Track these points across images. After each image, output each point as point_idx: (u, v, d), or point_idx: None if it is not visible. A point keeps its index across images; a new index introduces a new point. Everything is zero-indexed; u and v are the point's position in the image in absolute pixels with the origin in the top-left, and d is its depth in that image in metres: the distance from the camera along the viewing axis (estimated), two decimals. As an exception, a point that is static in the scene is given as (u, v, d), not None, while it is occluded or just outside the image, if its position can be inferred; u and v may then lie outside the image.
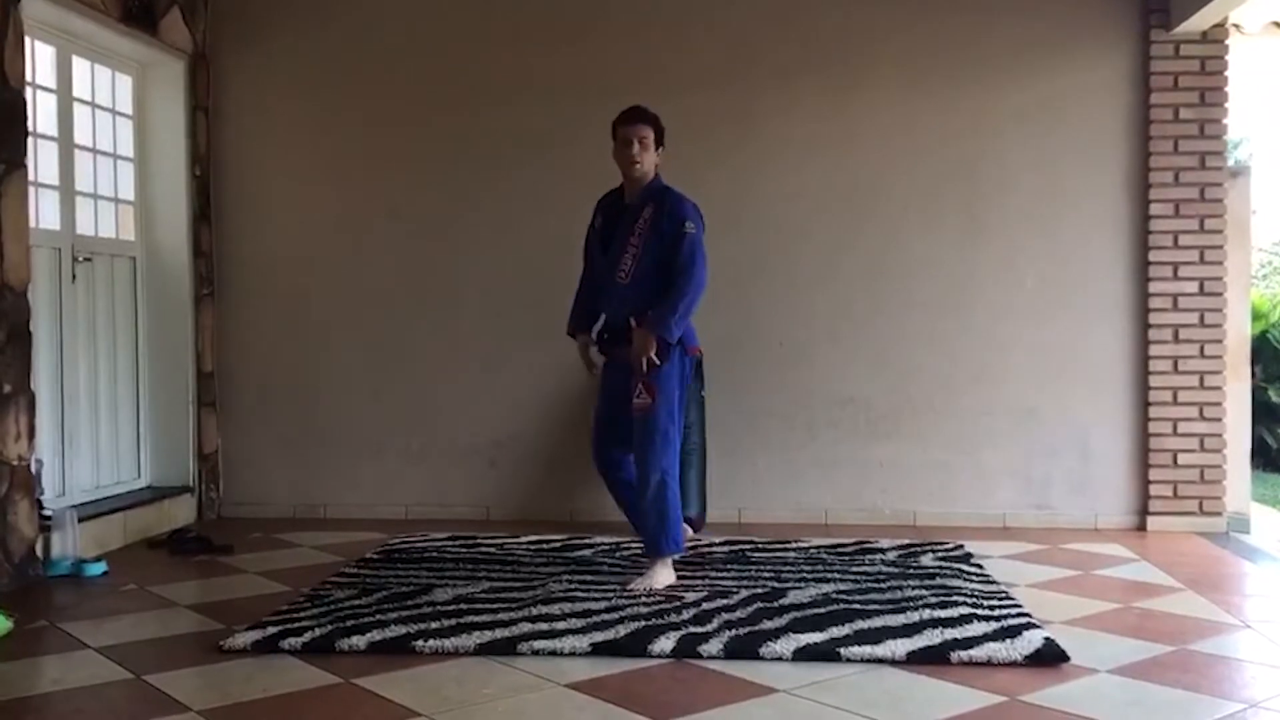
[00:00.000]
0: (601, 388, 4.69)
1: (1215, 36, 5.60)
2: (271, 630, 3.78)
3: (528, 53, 5.92)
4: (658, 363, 4.30)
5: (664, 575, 4.41)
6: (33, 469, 4.66)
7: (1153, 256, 5.66)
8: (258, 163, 6.08)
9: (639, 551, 4.80)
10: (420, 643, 3.67)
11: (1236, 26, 6.30)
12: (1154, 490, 5.66)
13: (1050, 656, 3.53)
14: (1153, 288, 5.66)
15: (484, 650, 3.63)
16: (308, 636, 3.72)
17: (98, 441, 5.51)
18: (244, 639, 3.71)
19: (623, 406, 4.48)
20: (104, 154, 5.62)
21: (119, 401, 5.69)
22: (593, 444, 4.72)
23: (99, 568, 4.72)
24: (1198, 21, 5.43)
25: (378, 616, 3.95)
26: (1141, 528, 5.67)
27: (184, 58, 5.85)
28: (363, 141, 6.02)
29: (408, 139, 6.00)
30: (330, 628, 3.81)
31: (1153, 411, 5.66)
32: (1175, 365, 5.65)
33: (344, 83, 6.03)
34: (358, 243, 6.04)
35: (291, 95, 6.06)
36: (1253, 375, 6.24)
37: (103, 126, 5.61)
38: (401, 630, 3.78)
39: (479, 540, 5.30)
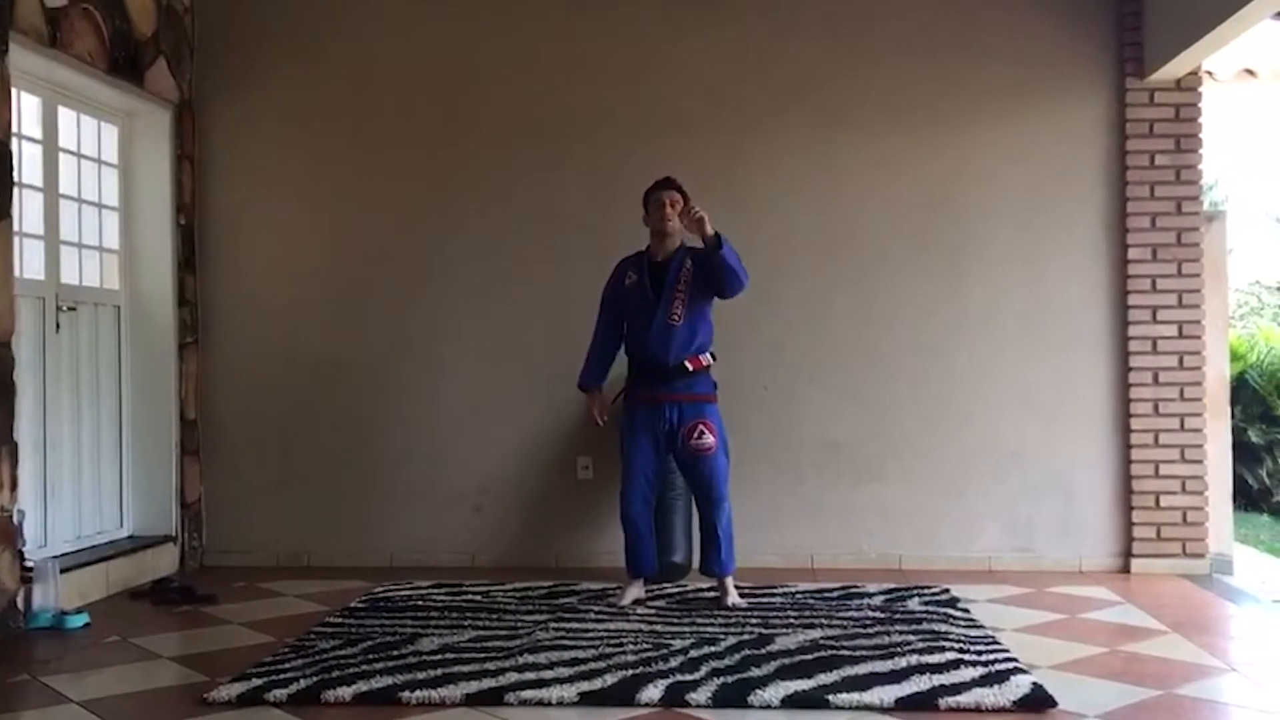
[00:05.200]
0: (637, 436, 4.96)
1: (1189, 84, 5.70)
2: (256, 682, 3.75)
3: (512, 98, 5.98)
4: (702, 217, 4.67)
5: (734, 590, 4.92)
6: (14, 520, 4.63)
7: (1131, 300, 5.72)
8: (242, 211, 6.10)
9: (612, 594, 4.89)
10: (407, 693, 3.64)
11: (1209, 74, 6.43)
12: (1137, 532, 5.69)
13: (1038, 702, 3.54)
14: (1132, 331, 5.71)
15: (471, 701, 3.61)
16: (293, 688, 3.69)
17: (80, 491, 5.47)
18: (228, 691, 3.68)
19: (664, 452, 4.96)
20: (89, 203, 5.63)
21: (102, 450, 5.66)
22: (632, 494, 4.99)
23: (81, 619, 4.68)
24: (1171, 69, 5.53)
25: (364, 667, 3.93)
26: (1125, 570, 5.68)
27: (169, 107, 5.88)
28: (347, 188, 6.05)
29: (392, 185, 6.03)
30: (316, 679, 3.78)
31: (1134, 454, 5.70)
32: (1156, 408, 5.70)
33: (328, 130, 6.06)
34: (342, 289, 6.05)
35: (276, 143, 6.10)
36: (1232, 416, 6.28)
37: (88, 176, 5.62)
38: (388, 681, 3.76)
39: (464, 587, 5.28)
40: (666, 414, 4.92)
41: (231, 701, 3.62)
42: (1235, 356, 8.78)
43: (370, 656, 4.07)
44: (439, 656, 4.07)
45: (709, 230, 4.70)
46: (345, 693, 3.66)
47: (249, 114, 6.10)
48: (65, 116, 5.42)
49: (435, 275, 6.01)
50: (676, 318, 4.88)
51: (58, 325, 5.26)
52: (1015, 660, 3.96)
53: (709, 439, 4.90)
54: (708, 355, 4.97)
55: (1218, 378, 5.91)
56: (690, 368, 4.91)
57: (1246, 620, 4.89)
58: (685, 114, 5.90)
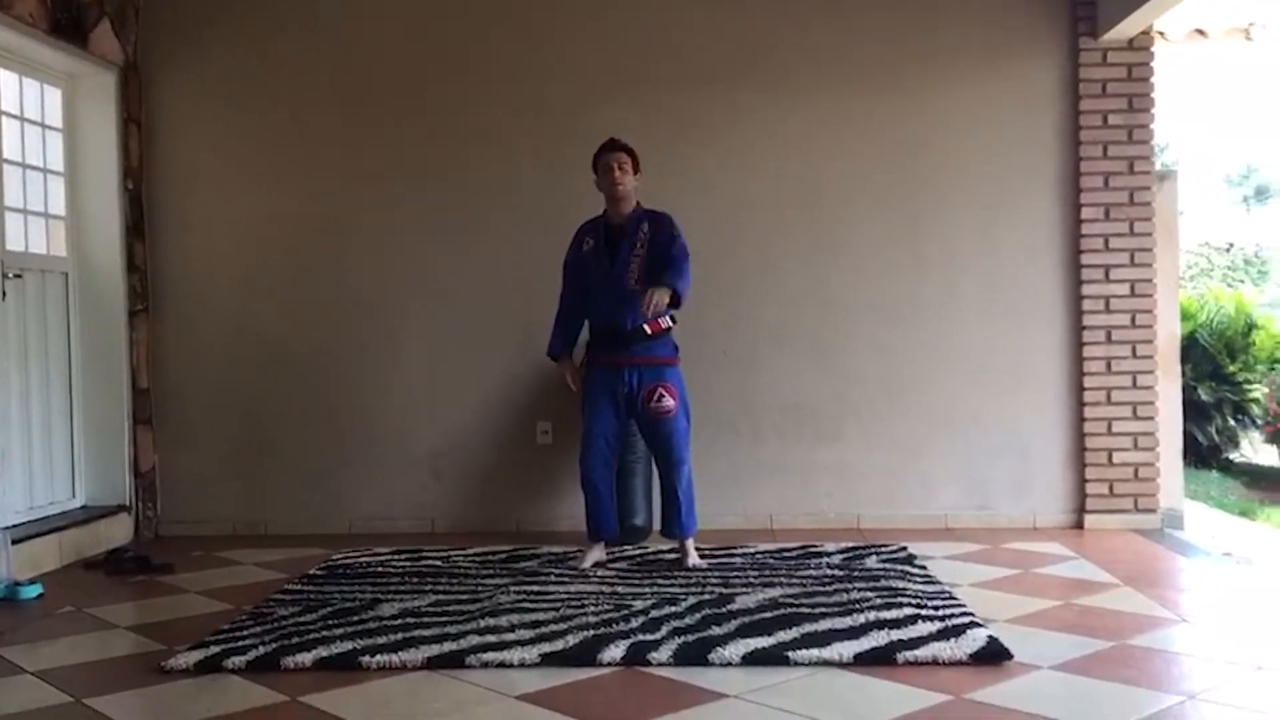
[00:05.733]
0: (598, 400, 4.95)
1: (1141, 44, 5.74)
2: (214, 649, 3.73)
3: (463, 61, 5.91)
4: (663, 308, 4.75)
5: (695, 552, 4.95)
6: (-37, 491, 4.56)
7: (1084, 260, 5.77)
8: (192, 175, 6.00)
9: (573, 557, 4.95)
10: (367, 658, 3.63)
11: (1161, 34, 6.45)
12: (1090, 489, 5.77)
13: (994, 655, 3.58)
14: (1085, 290, 5.77)
15: (432, 664, 3.60)
16: (252, 655, 3.67)
17: (30, 461, 5.39)
18: (186, 659, 3.65)
19: (624, 416, 4.95)
20: (33, 168, 5.51)
21: (52, 420, 5.57)
22: (594, 459, 4.98)
23: (34, 590, 4.62)
24: (1124, 29, 5.56)
25: (323, 633, 3.91)
26: (1079, 525, 5.77)
27: (114, 69, 5.76)
28: (300, 152, 5.97)
29: (345, 149, 5.95)
30: (275, 645, 3.76)
31: (1088, 411, 5.77)
32: (1109, 366, 5.77)
33: (279, 92, 5.97)
34: (296, 255, 5.98)
35: (226, 106, 5.99)
36: (1182, 374, 6.37)
37: (32, 140, 5.50)
38: (347, 646, 3.74)
39: (424, 553, 5.26)
40: (626, 378, 4.92)
41: (189, 669, 3.59)
42: (1186, 316, 8.91)
43: (330, 622, 4.05)
44: (399, 621, 4.06)
45: (666, 301, 4.72)
46: (305, 658, 3.64)
47: (197, 76, 5.99)
48: (7, 79, 5.30)
49: (392, 240, 5.95)
50: (635, 283, 4.87)
51: (4, 293, 5.16)
52: (971, 615, 4.01)
53: (669, 401, 4.92)
54: (667, 319, 4.97)
55: (1169, 336, 5.99)
56: (650, 331, 4.91)
57: (1196, 573, 4.98)
58: (640, 77, 5.86)
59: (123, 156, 5.80)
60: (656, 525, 5.51)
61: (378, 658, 3.63)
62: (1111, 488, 5.76)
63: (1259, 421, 9.17)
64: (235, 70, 5.99)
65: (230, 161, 6.00)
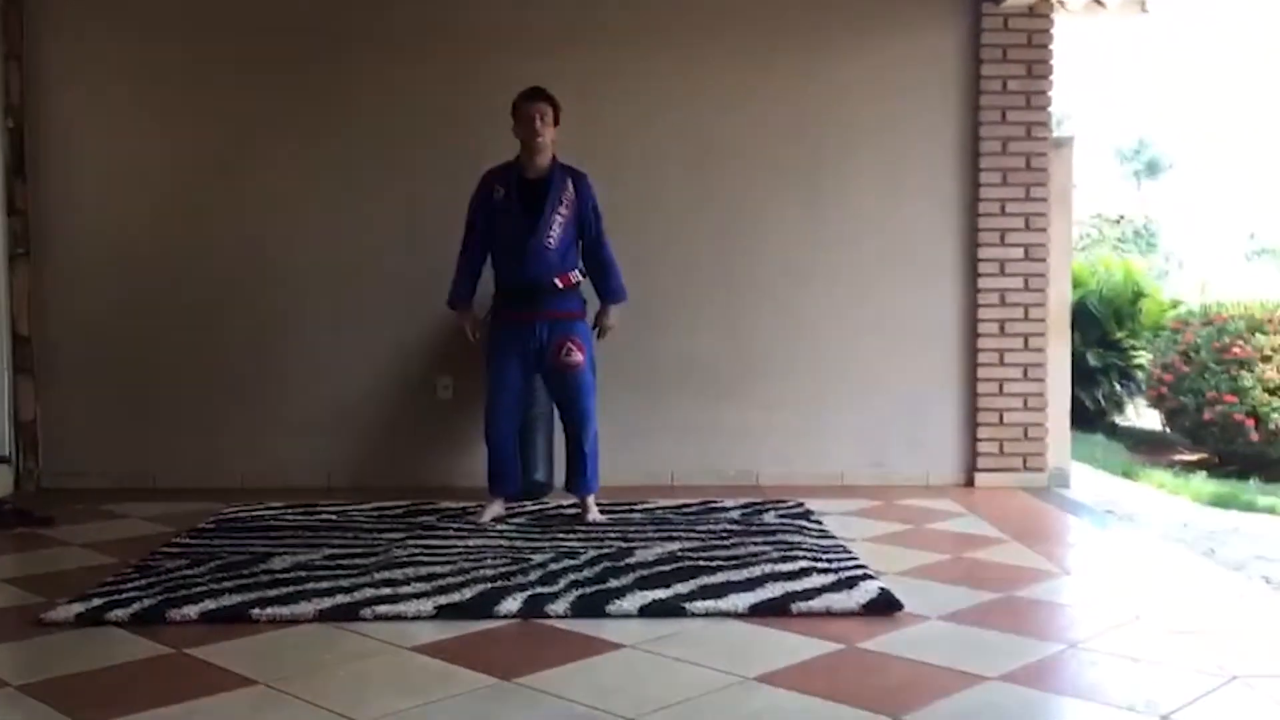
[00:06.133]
0: (507, 355, 4.89)
1: (1041, 10, 5.82)
2: (96, 602, 3.63)
3: (362, 7, 5.75)
4: (611, 326, 5.03)
5: (595, 507, 4.97)
6: None
7: (981, 223, 5.86)
8: (78, 114, 5.76)
9: (472, 512, 4.94)
10: (257, 610, 3.57)
11: (1060, 3, 6.56)
12: (981, 448, 5.90)
13: (885, 605, 3.65)
14: (981, 253, 5.87)
15: (325, 617, 3.55)
16: (135, 607, 3.58)
17: (-99, 410, 5.16)
18: (66, 611, 3.54)
19: (531, 372, 4.92)
20: (-96, 102, 5.24)
21: (-75, 368, 5.34)
22: (502, 414, 4.93)
23: (-96, 543, 4.44)
24: (1025, -4, 5.64)
25: (211, 586, 3.83)
26: (970, 483, 5.90)
27: (-7, 1, 5.49)
28: (192, 91, 5.77)
29: (241, 89, 5.77)
30: (160, 598, 3.67)
31: (980, 372, 5.89)
32: (1002, 328, 5.89)
33: (171, 27, 5.75)
34: (187, 199, 5.79)
35: (114, 41, 5.76)
36: (1072, 340, 6.53)
37: (-98, 72, 5.23)
38: (237, 599, 3.67)
39: (319, 508, 5.17)
40: (537, 332, 4.86)
41: (70, 621, 3.49)
42: (1077, 283, 9.13)
43: (219, 576, 3.97)
44: (291, 575, 3.99)
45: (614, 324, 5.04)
46: (191, 611, 3.55)
47: (83, 13, 5.74)
48: (-126, 6, 5.01)
49: (284, 185, 5.80)
50: (553, 241, 4.81)
51: None
52: (865, 568, 4.08)
53: (577, 355, 4.88)
54: (576, 273, 4.93)
55: (1060, 300, 6.12)
56: (560, 285, 4.86)
57: (1080, 529, 5.14)
58: (546, 31, 5.77)
59: (3, 94, 5.54)
60: (556, 481, 5.50)
61: (268, 610, 3.56)
62: (1002, 447, 5.90)
63: (1143, 387, 9.47)
64: (125, 8, 5.74)
65: (118, 100, 5.77)
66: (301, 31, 5.77)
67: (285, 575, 3.98)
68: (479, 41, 5.76)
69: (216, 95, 5.76)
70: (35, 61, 5.71)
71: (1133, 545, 4.97)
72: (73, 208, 5.77)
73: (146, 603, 3.62)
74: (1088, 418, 9.31)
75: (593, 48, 5.77)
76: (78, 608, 3.57)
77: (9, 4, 5.58)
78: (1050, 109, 5.91)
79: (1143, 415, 10.06)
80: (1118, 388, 9.69)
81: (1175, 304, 10.27)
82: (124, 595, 3.70)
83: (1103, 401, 9.61)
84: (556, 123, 4.86)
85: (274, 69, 5.76)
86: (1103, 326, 9.68)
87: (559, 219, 4.83)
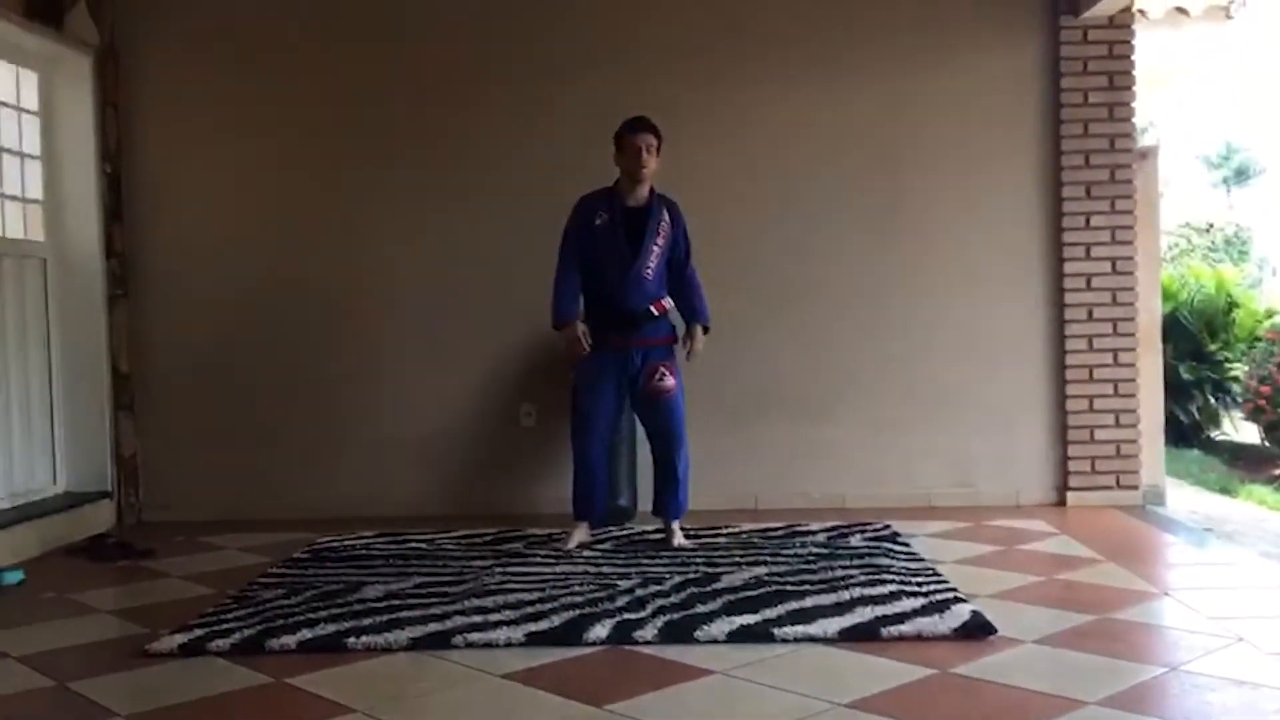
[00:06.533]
0: (602, 381, 4.92)
1: (1121, 21, 5.74)
2: (198, 632, 3.72)
3: (452, 42, 5.87)
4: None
5: (680, 532, 4.99)
6: (-57, 477, 4.53)
7: (1066, 238, 5.78)
8: (170, 159, 5.95)
9: (557, 538, 4.98)
10: (352, 640, 3.63)
11: (1142, 12, 6.47)
12: (1072, 466, 5.79)
13: (978, 629, 3.60)
14: (1067, 268, 5.78)
15: (417, 645, 3.60)
16: (236, 637, 3.66)
17: (11, 448, 5.35)
18: (170, 642, 3.64)
19: (624, 398, 4.98)
20: (10, 152, 5.46)
21: (32, 406, 5.53)
22: (595, 438, 4.96)
23: (16, 576, 4.59)
24: (1104, 7, 5.57)
25: (307, 615, 3.90)
26: (1061, 503, 5.79)
27: (91, 52, 5.70)
28: (282, 134, 5.93)
29: (328, 131, 5.92)
30: (259, 628, 3.75)
31: (1069, 389, 5.79)
32: (1090, 343, 5.79)
33: (259, 74, 5.92)
34: (277, 238, 5.94)
35: (204, 89, 5.94)
36: (1163, 353, 6.39)
37: (8, 124, 5.45)
38: (332, 628, 3.74)
39: (408, 536, 5.25)
40: (633, 358, 4.91)
41: (174, 652, 3.58)
42: (1166, 296, 8.92)
43: (314, 605, 4.04)
44: (384, 603, 4.05)
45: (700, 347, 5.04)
46: (289, 640, 3.63)
47: (175, 60, 5.93)
48: (-19, 62, 5.25)
49: (371, 226, 5.92)
50: (650, 271, 4.88)
51: (-19, 278, 5.12)
52: (955, 590, 4.03)
53: (670, 380, 4.93)
54: (668, 299, 4.98)
55: (1150, 314, 6.01)
56: (655, 313, 4.92)
57: (1178, 548, 5.02)
58: (623, 60, 5.83)
59: (100, 140, 5.75)
60: (640, 506, 5.52)
61: (363, 639, 3.62)
62: (1093, 465, 5.79)
63: (1239, 399, 9.22)
64: (214, 52, 5.94)
65: (210, 143, 5.95)
66: (388, 73, 5.89)
67: (378, 604, 4.04)
68: (557, 76, 5.84)
69: (305, 137, 5.92)
70: (131, 108, 5.91)
71: (1233, 564, 4.84)
72: (168, 249, 5.95)
73: (246, 633, 3.70)
74: (1182, 433, 9.09)
75: (670, 77, 5.80)
76: (180, 638, 3.67)
77: (106, 53, 5.79)
78: (1133, 120, 5.82)
79: (1240, 429, 9.79)
80: (1212, 401, 9.44)
81: (1270, 313, 9.99)
82: (224, 626, 3.79)
83: (1197, 416, 9.38)
84: (659, 152, 4.88)
85: (362, 110, 5.89)
86: (1195, 339, 9.44)
87: (656, 248, 4.89)
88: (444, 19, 5.88)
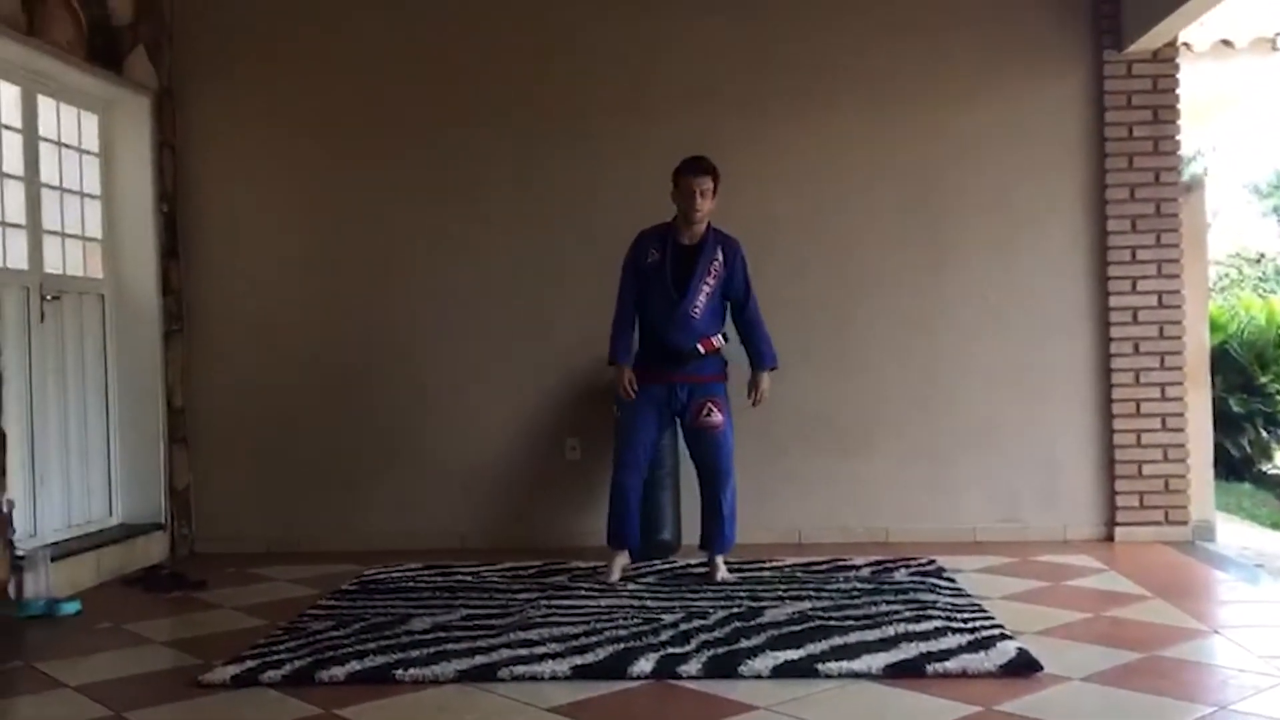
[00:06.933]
0: (645, 413, 5.00)
1: (1165, 55, 5.74)
2: (250, 664, 3.78)
3: (497, 80, 5.98)
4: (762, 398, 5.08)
5: (724, 566, 5.00)
6: (4, 509, 4.64)
7: (1111, 271, 5.76)
8: (225, 198, 6.09)
9: (601, 571, 5.04)
10: (400, 671, 3.67)
11: (1186, 45, 6.47)
12: (1120, 501, 5.75)
13: (1024, 666, 3.58)
14: (1112, 301, 5.76)
15: (464, 677, 3.64)
16: (287, 669, 3.72)
17: (69, 480, 5.48)
18: (223, 673, 3.70)
19: (666, 430, 5.09)
20: (71, 192, 5.61)
21: (89, 439, 5.66)
22: (631, 467, 5.03)
23: (73, 606, 4.69)
24: (1148, 41, 5.57)
25: (356, 647, 3.95)
26: (1109, 538, 5.75)
27: (149, 94, 5.86)
28: (332, 173, 6.05)
29: (375, 170, 6.03)
30: (309, 659, 3.81)
31: (1116, 423, 5.76)
32: (1137, 377, 5.75)
33: (311, 115, 6.06)
34: (327, 275, 6.05)
35: (258, 129, 6.09)
36: (1213, 386, 6.33)
37: (69, 164, 5.61)
38: (380, 660, 3.79)
39: (455, 569, 5.30)
40: (677, 393, 4.97)
41: (226, 683, 3.64)
42: (1216, 327, 8.84)
43: (363, 637, 4.10)
44: (431, 635, 4.10)
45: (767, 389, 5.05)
46: (339, 672, 3.68)
47: (230, 100, 6.09)
48: (45, 105, 5.40)
49: (420, 259, 6.02)
50: (698, 311, 4.92)
51: (42, 314, 5.25)
52: (1001, 627, 4.02)
53: (718, 416, 4.96)
54: (719, 337, 5.00)
55: (1198, 346, 5.97)
56: (703, 350, 4.94)
57: (1228, 584, 4.96)
58: (667, 91, 5.91)
59: (157, 180, 5.90)
60: (683, 540, 5.54)
61: (410, 671, 3.67)
62: (1142, 500, 5.74)
63: (1292, 433, 9.09)
64: (267, 94, 6.08)
65: (263, 183, 6.09)
66: (436, 111, 5.99)
67: (425, 636, 4.09)
68: (604, 111, 5.92)
69: (354, 175, 6.03)
70: (187, 149, 6.07)
71: (1286, 601, 4.78)
72: (221, 285, 6.08)
73: (297, 664, 3.76)
74: (1233, 467, 8.97)
75: (707, 115, 5.86)
76: (233, 669, 3.73)
77: (163, 96, 5.95)
78: (1178, 154, 5.81)
79: (1292, 463, 9.63)
80: (1264, 434, 9.30)
81: (1323, 345, 9.84)
82: (275, 657, 3.85)
83: (1248, 449, 9.24)
84: (715, 193, 4.92)
85: (410, 147, 5.99)
86: (1245, 371, 9.32)
87: (706, 289, 4.91)
88: (492, 56, 5.98)
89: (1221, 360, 8.93)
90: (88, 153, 5.76)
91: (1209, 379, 6.16)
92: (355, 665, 3.74)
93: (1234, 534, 6.44)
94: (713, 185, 4.90)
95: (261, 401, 6.07)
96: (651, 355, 5.00)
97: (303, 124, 6.06)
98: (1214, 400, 6.29)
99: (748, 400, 5.07)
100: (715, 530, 5.01)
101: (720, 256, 4.96)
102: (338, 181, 6.05)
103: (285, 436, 6.05)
